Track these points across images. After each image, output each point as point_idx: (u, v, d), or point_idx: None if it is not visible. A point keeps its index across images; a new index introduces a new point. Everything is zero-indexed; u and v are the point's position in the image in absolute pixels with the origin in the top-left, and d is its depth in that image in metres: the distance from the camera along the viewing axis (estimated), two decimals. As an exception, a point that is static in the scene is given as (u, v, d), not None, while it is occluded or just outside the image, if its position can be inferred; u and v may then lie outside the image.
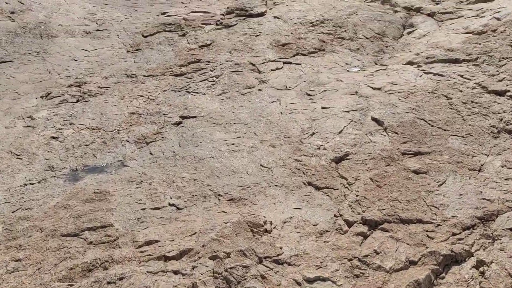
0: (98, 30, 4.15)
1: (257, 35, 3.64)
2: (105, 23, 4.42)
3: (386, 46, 3.62)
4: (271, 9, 4.11)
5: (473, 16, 3.73)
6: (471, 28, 3.44)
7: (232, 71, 3.08)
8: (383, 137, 2.24)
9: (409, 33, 3.79)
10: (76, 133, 2.33)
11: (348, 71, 3.24)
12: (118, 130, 2.37)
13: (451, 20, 3.80)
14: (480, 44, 3.08)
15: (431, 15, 3.98)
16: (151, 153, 2.21)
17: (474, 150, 2.12)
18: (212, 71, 3.11)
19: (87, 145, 2.26)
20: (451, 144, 2.14)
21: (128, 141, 2.28)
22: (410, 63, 3.12)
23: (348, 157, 2.13)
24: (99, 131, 2.36)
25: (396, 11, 4.01)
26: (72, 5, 4.81)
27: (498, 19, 3.45)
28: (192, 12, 4.63)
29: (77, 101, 2.69)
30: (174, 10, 4.82)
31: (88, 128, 2.38)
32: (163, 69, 3.18)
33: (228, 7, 4.23)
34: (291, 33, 3.64)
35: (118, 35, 4.01)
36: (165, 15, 4.59)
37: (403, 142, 2.18)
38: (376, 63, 3.44)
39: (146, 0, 5.83)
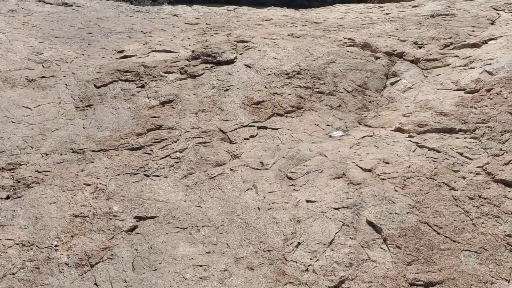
0: (43, 76, 3.62)
1: (227, 89, 3.22)
2: (52, 65, 3.88)
3: (370, 101, 3.27)
4: (241, 54, 3.68)
5: (461, 66, 3.44)
6: (461, 83, 3.14)
7: (199, 143, 2.65)
8: (383, 253, 1.86)
9: (392, 83, 3.47)
10: (0, 254, 1.84)
11: (330, 136, 2.87)
12: (55, 246, 1.89)
13: (437, 70, 3.50)
14: (475, 109, 2.77)
15: (415, 61, 3.67)
16: (96, 284, 1.74)
17: (492, 273, 1.77)
18: (175, 142, 2.66)
19: (13, 274, 1.77)
20: (464, 266, 1.78)
21: (67, 264, 1.81)
22: (399, 130, 2.77)
23: (344, 287, 1.73)
24: (31, 249, 1.87)
25: (377, 57, 3.67)
26: (14, 43, 4.23)
27: (490, 73, 3.16)
28: (152, 51, 4.15)
29: (7, 197, 2.18)
30: (132, 47, 4.33)
31: (17, 244, 1.89)
32: (117, 139, 2.70)
33: (193, 51, 3.78)
34: (265, 87, 3.23)
35: (66, 84, 3.49)
36: (122, 55, 4.10)
37: (408, 262, 1.81)
38: (360, 123, 3.08)
39: (101, 30, 5.31)
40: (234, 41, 3.88)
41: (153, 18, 5.97)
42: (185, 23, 5.63)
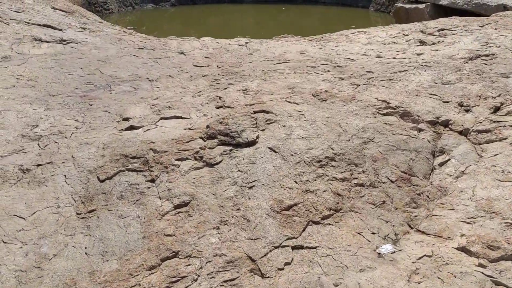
0: (39, 164, 3.18)
1: (251, 187, 2.76)
2: (49, 143, 3.44)
3: (418, 193, 2.80)
4: (263, 130, 3.21)
5: (520, 142, 2.96)
6: (527, 173, 2.66)
7: (225, 281, 2.20)
8: None
9: (441, 164, 2.99)
10: None
11: (379, 254, 2.41)
12: None
13: (493, 146, 3.02)
14: (555, 221, 2.30)
15: (463, 133, 3.18)
16: None
17: None
18: (195, 281, 2.21)
19: None
20: None
21: None
22: (465, 250, 2.30)
23: None
24: None
25: (420, 130, 3.18)
26: (7, 114, 3.79)
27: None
28: (161, 118, 3.69)
29: None
30: (138, 111, 3.87)
31: None
32: (126, 277, 2.26)
33: (208, 127, 3.31)
34: (295, 182, 2.77)
35: (65, 176, 3.05)
36: (127, 124, 3.64)
37: None
38: (410, 226, 2.62)
39: (103, 78, 4.84)
40: (254, 112, 3.41)
41: (158, 57, 5.50)
42: (194, 65, 5.15)
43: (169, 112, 3.79)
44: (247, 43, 5.80)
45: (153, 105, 3.98)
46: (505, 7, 8.21)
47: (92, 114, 3.95)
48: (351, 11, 21.29)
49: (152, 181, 2.92)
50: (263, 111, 3.42)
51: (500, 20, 6.48)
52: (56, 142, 3.49)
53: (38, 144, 3.46)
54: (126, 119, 3.78)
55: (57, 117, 3.86)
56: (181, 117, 3.73)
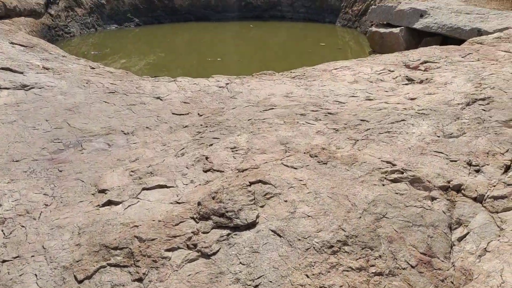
0: (4, 260, 2.72)
1: (257, 285, 2.40)
2: (15, 230, 2.98)
3: (442, 279, 2.52)
4: (263, 207, 2.87)
5: (542, 212, 2.74)
6: (559, 254, 2.43)
7: None
8: None
9: (460, 239, 2.73)
10: None
11: None
12: None
13: (512, 215, 2.79)
14: None
15: (478, 199, 2.94)
16: None
17: None
18: None
19: None
20: None
21: None
22: None
23: None
24: None
25: (433, 198, 2.92)
26: (-38, 192, 3.29)
27: None
28: (143, 189, 3.28)
29: None
30: (116, 181, 3.44)
31: None
32: None
33: (200, 205, 2.94)
34: (307, 276, 2.43)
35: (36, 276, 2.60)
36: (104, 199, 3.21)
37: None
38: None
39: (72, 133, 4.38)
40: (250, 183, 3.06)
41: (132, 104, 5.08)
42: (173, 113, 4.76)
43: (151, 181, 3.39)
44: (227, 84, 5.46)
45: (132, 171, 3.57)
46: (479, 31, 8.23)
47: (63, 184, 3.50)
48: (318, 27, 21.35)
49: (140, 280, 2.51)
50: (259, 181, 3.08)
51: (481, 50, 6.41)
52: (23, 226, 3.03)
53: (2, 231, 2.99)
54: (103, 191, 3.36)
55: (23, 191, 3.39)
56: (166, 186, 3.34)
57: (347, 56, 15.93)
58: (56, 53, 7.86)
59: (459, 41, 8.70)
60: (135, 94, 5.34)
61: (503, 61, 5.79)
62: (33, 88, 5.45)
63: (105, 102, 5.15)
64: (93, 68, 7.44)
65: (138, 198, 3.21)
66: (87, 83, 5.74)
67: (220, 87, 5.38)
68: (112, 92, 5.42)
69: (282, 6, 23.81)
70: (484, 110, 3.94)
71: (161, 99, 5.16)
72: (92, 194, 3.36)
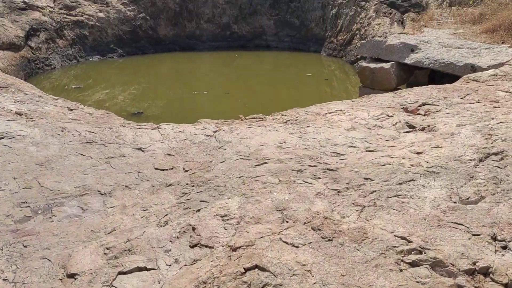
0: None
1: None
2: (-37, 331, 2.48)
3: None
4: (261, 302, 2.42)
5: None
6: None
7: None
8: None
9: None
10: None
11: None
12: None
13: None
14: None
15: (510, 286, 2.55)
16: None
17: None
18: None
19: None
20: None
21: None
22: None
23: None
24: None
25: (459, 286, 2.51)
26: None
27: None
28: (120, 273, 2.81)
29: None
30: (88, 262, 2.96)
31: None
32: None
33: (186, 301, 2.48)
34: None
35: None
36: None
37: None
38: None
39: (42, 195, 3.90)
40: (244, 269, 2.61)
41: (111, 156, 4.63)
42: (156, 168, 4.32)
43: (129, 261, 2.92)
44: (215, 131, 5.06)
45: (107, 247, 3.10)
46: (472, 67, 8.03)
47: (26, 265, 3.01)
48: (304, 56, 21.29)
49: None
50: (256, 267, 2.63)
51: (479, 89, 6.16)
52: (-27, 327, 2.52)
53: None
54: (72, 276, 2.87)
55: (-22, 276, 2.89)
56: (146, 268, 2.87)
57: (333, 87, 15.75)
58: (32, 93, 7.40)
59: (450, 75, 8.50)
60: (114, 145, 4.89)
61: (504, 102, 5.52)
62: (3, 138, 4.97)
63: (81, 154, 4.69)
64: (71, 109, 6.99)
65: (112, 286, 2.73)
66: (62, 131, 5.28)
67: (207, 135, 4.97)
68: (90, 142, 4.96)
69: (267, 35, 23.80)
70: (499, 168, 3.59)
71: (143, 151, 4.72)
72: (60, 279, 2.87)
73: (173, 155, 4.59)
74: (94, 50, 17.92)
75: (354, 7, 20.24)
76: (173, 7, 21.22)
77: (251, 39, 23.44)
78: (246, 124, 5.40)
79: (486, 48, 8.79)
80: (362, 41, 9.13)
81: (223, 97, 13.92)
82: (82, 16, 17.75)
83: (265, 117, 5.73)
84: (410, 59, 8.70)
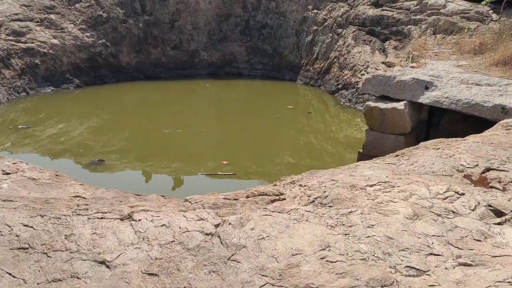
0: None
1: None
2: None
3: None
4: None
5: None
6: None
7: None
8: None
9: None
10: None
11: None
12: None
13: None
14: None
15: None
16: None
17: None
18: None
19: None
20: None
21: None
22: None
23: None
24: None
25: None
26: None
27: None
28: None
29: None
30: None
31: None
32: None
33: None
34: None
35: None
36: None
37: None
38: None
39: None
40: None
41: (55, 279, 2.90)
42: (130, 307, 2.63)
43: None
44: (218, 226, 3.41)
45: None
46: (503, 109, 6.80)
47: None
48: (279, 85, 20.03)
49: None
50: None
51: (545, 145, 4.84)
52: None
53: None
54: None
55: None
56: None
57: (321, 121, 14.38)
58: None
59: (455, 111, 7.28)
60: (63, 254, 3.16)
61: None
62: None
63: (10, 274, 2.94)
64: (7, 173, 5.17)
65: None
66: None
67: (207, 234, 3.31)
68: (25, 249, 3.21)
69: (238, 62, 22.47)
70: None
71: (108, 266, 3.02)
72: None
73: (157, 275, 2.91)
74: (47, 80, 15.91)
75: (330, 34, 19.27)
76: (136, 33, 19.56)
77: (222, 66, 22.04)
78: (258, 207, 3.79)
79: (507, 84, 7.65)
80: (367, 77, 7.79)
81: (199, 137, 12.26)
82: (33, 43, 15.77)
83: (282, 194, 4.12)
84: (425, 98, 7.41)
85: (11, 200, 4.00)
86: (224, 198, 4.09)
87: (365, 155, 7.46)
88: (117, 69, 18.33)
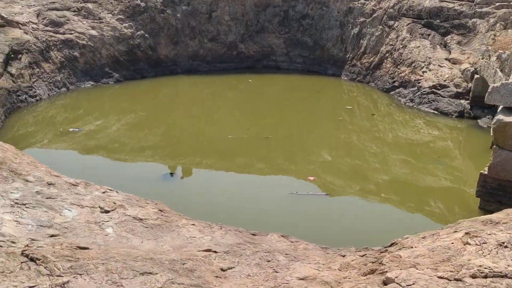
0: None
1: None
2: None
3: None
4: None
5: None
6: None
7: None
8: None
9: None
10: None
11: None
12: None
13: None
14: None
15: None
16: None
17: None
18: None
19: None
20: None
21: None
22: None
23: None
24: None
25: None
26: None
27: None
28: None
29: None
30: None
31: None
32: None
33: None
34: None
35: None
36: None
37: None
38: None
39: None
40: None
41: None
42: None
43: None
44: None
45: None
46: None
47: None
48: (324, 81, 18.87)
49: None
50: None
51: None
52: None
53: None
54: None
55: None
56: None
57: (383, 122, 13.27)
58: (36, 178, 4.59)
59: None
60: None
61: None
62: None
63: None
64: (107, 211, 4.27)
65: None
66: None
67: None
68: None
69: (277, 55, 21.32)
70: None
71: None
72: None
73: None
74: (86, 74, 15.01)
75: (380, 27, 18.03)
76: (174, 24, 18.53)
77: (259, 60, 20.94)
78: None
79: None
80: (494, 85, 6.69)
81: (264, 143, 11.23)
82: (71, 34, 14.84)
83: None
84: None
85: (150, 273, 3.04)
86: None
87: (491, 177, 6.42)
88: (156, 63, 17.36)
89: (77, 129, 11.03)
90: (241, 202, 8.17)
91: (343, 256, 4.01)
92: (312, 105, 15.42)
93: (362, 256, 4.13)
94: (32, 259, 2.98)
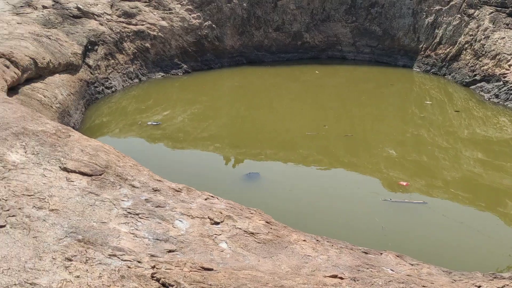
0: None
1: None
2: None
3: None
4: None
5: None
6: None
7: None
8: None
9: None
10: None
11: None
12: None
13: None
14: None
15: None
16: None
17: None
18: None
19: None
20: None
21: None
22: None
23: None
24: None
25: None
26: None
27: None
28: None
29: None
30: None
31: None
32: None
33: None
34: None
35: None
36: None
37: None
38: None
39: None
40: None
41: None
42: None
43: None
44: None
45: None
46: None
47: None
48: (395, 72, 17.99)
49: None
50: None
51: None
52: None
53: None
54: None
55: None
56: None
57: (467, 118, 12.40)
58: (141, 183, 4.48)
59: None
60: None
61: None
62: None
63: None
64: (217, 222, 4.08)
65: None
66: None
67: None
68: None
69: (343, 45, 20.59)
70: None
71: None
72: None
73: None
74: (157, 65, 15.12)
75: (458, 15, 16.88)
76: (240, 13, 18.28)
77: (324, 50, 20.32)
78: None
79: None
80: None
81: (346, 142, 10.79)
82: (143, 25, 14.96)
83: None
84: None
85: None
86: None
87: None
88: (222, 53, 17.24)
89: (155, 123, 11.08)
90: (333, 210, 7.56)
91: (478, 287, 3.60)
92: (386, 99, 14.75)
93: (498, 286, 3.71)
94: (164, 285, 2.81)
